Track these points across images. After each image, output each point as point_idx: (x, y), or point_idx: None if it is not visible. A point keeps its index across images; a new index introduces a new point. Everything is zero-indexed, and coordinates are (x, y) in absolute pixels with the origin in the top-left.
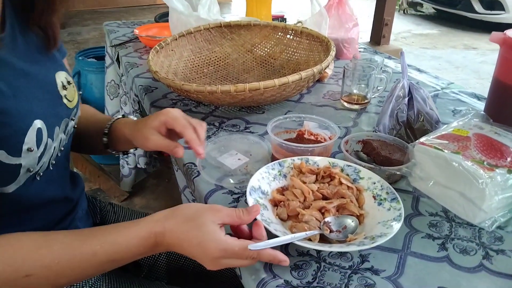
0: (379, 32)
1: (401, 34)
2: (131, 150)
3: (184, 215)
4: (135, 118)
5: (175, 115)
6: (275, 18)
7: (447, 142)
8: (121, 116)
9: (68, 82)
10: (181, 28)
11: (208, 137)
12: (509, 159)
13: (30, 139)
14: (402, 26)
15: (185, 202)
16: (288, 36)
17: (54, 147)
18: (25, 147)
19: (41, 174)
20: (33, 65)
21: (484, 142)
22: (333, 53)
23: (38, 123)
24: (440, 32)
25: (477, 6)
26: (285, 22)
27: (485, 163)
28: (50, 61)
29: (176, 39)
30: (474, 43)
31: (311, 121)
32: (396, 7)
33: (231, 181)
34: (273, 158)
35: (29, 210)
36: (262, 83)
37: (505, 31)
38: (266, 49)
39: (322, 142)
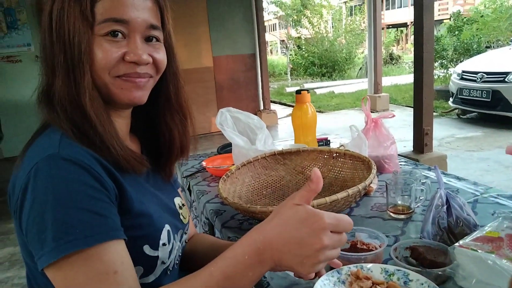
0: (421, 142)
1: (445, 140)
2: None
3: (276, 217)
4: None
5: None
6: (320, 140)
7: (482, 243)
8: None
9: (183, 205)
10: (242, 159)
11: None
12: None
13: (164, 236)
14: (445, 132)
15: None
16: (333, 157)
17: (177, 249)
18: (161, 242)
19: (171, 269)
20: (159, 190)
21: None
22: (374, 171)
23: (167, 227)
24: (484, 134)
25: None
26: (329, 143)
27: None
28: (169, 189)
29: (239, 169)
30: None
31: (361, 232)
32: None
33: None
34: (331, 268)
35: None
36: (315, 201)
37: None
38: None
39: (373, 251)
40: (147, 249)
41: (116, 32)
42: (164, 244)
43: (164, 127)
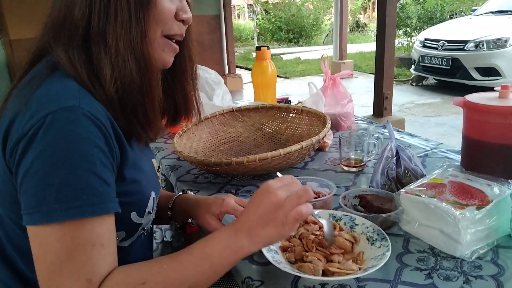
0: (381, 106)
1: (405, 105)
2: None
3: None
4: (192, 193)
5: (234, 207)
6: (280, 100)
7: (425, 189)
8: (181, 193)
9: (159, 167)
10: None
11: None
12: (478, 199)
13: (150, 205)
14: (405, 98)
15: None
16: (291, 114)
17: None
18: (147, 210)
19: (146, 234)
20: (144, 151)
21: (457, 187)
22: (328, 125)
23: (153, 194)
24: (442, 101)
25: (475, 74)
26: (289, 103)
27: (457, 203)
28: (149, 150)
29: (196, 124)
30: None
31: (312, 181)
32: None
33: None
34: None
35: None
36: (270, 154)
37: (464, 96)
38: (273, 127)
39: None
40: (134, 216)
41: None
42: (149, 213)
43: (180, 89)
